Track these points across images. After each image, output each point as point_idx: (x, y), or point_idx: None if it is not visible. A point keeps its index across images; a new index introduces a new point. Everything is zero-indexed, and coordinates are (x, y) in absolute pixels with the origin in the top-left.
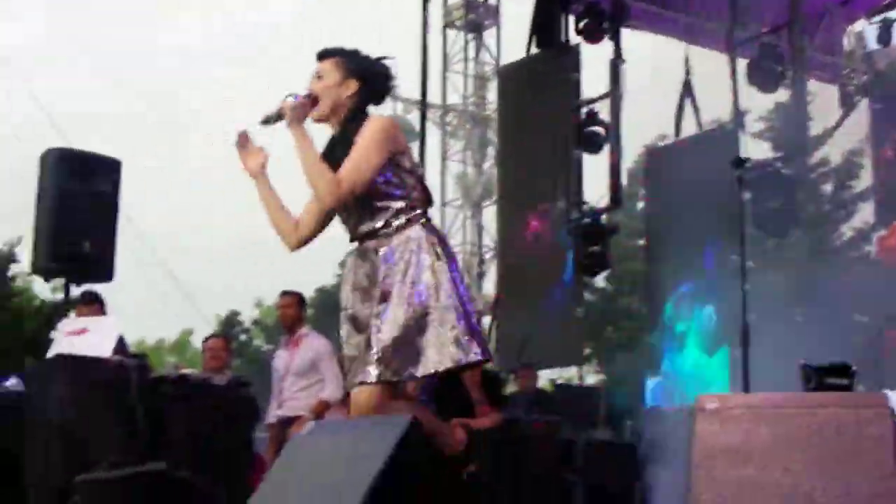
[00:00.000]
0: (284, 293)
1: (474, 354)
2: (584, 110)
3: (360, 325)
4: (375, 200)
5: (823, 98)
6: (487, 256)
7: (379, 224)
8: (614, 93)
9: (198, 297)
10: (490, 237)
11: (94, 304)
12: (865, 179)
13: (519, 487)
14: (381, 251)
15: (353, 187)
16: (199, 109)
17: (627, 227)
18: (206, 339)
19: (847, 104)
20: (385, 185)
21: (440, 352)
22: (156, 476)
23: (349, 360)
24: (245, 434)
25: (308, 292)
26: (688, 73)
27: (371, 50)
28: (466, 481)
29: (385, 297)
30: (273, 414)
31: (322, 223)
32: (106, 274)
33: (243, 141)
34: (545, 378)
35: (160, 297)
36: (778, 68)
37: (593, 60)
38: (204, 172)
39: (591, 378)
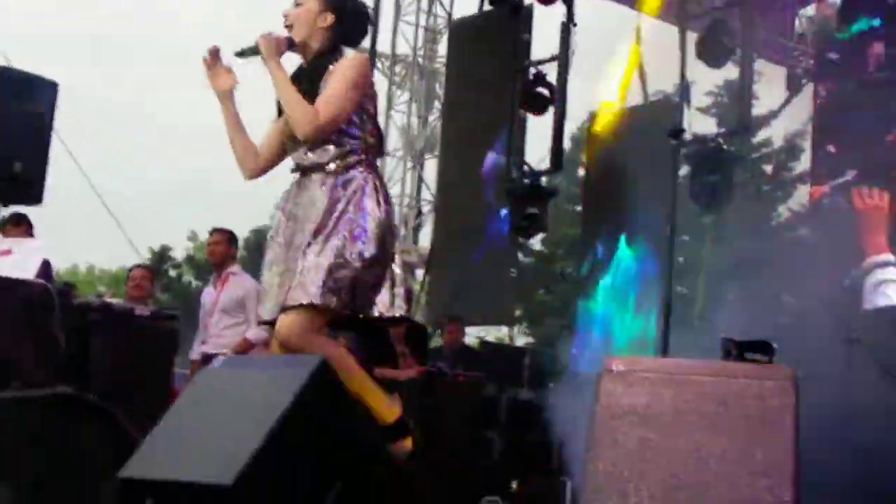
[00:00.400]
0: (214, 230)
1: (407, 310)
2: (533, 71)
3: (290, 253)
4: (331, 135)
5: (772, 79)
6: (425, 210)
7: (327, 159)
8: (563, 56)
9: (132, 230)
10: (429, 190)
11: (21, 226)
12: (805, 162)
13: (439, 441)
14: (325, 185)
15: (331, 118)
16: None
17: (568, 191)
18: (131, 269)
19: (793, 87)
20: (345, 124)
21: (386, 298)
22: (62, 398)
23: (268, 286)
24: (163, 366)
25: (243, 232)
26: (637, 42)
27: None
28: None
29: (320, 230)
30: (197, 350)
31: (280, 155)
32: (35, 196)
33: (213, 58)
34: (474, 336)
35: (94, 226)
36: (727, 44)
37: (546, 22)
38: (150, 105)
39: (522, 340)
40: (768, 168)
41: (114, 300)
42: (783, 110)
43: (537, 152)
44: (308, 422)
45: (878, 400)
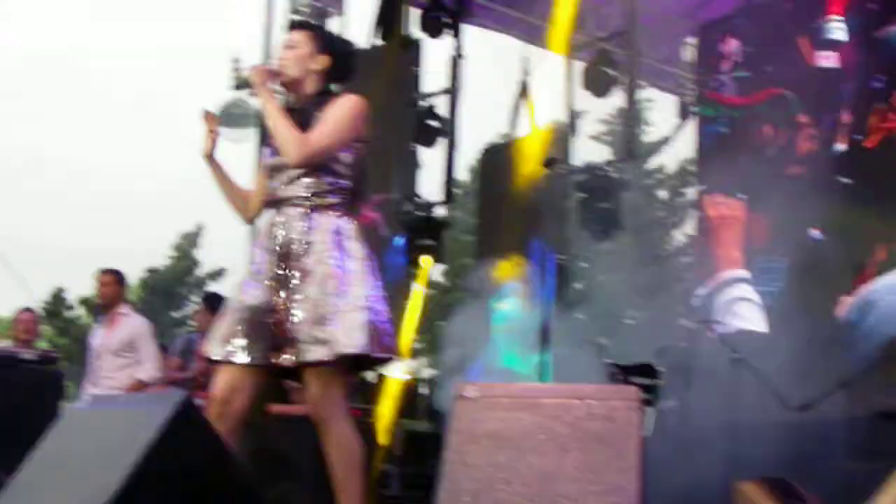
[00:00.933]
0: (104, 271)
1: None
2: (425, 104)
3: (271, 288)
4: (318, 171)
5: (664, 106)
6: None
7: (309, 194)
8: (453, 88)
9: (27, 274)
10: None
11: None
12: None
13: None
14: (305, 222)
15: (320, 149)
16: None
17: (466, 223)
18: (19, 313)
19: (683, 114)
20: (332, 162)
21: (348, 335)
22: None
23: (242, 321)
24: (51, 409)
25: (137, 272)
26: (526, 73)
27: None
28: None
29: (306, 275)
30: (88, 393)
31: None
32: None
33: (211, 122)
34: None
35: None
36: (611, 74)
37: (438, 55)
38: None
39: (426, 371)
40: (663, 194)
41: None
42: (674, 137)
43: (434, 185)
44: (173, 460)
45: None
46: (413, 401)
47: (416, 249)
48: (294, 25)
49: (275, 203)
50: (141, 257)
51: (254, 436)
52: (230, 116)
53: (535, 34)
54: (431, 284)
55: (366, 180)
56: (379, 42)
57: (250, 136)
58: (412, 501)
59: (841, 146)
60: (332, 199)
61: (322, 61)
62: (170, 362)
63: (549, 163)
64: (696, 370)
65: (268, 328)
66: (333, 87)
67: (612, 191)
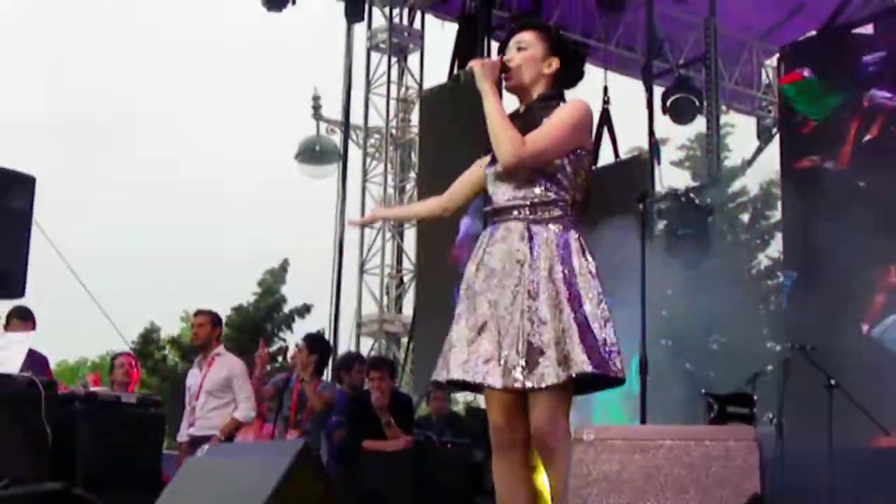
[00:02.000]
0: (199, 312)
1: (615, 370)
2: None
3: (485, 310)
4: (541, 178)
5: (743, 130)
6: (406, 279)
7: (530, 204)
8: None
9: (116, 315)
10: (409, 260)
11: (27, 321)
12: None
13: None
14: (526, 236)
15: (536, 153)
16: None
17: None
18: (116, 356)
19: (763, 136)
20: (554, 169)
21: (580, 355)
22: (53, 495)
23: (456, 341)
24: (153, 452)
25: (225, 310)
26: (606, 101)
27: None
28: None
29: (532, 291)
30: (184, 433)
31: (469, 197)
32: (17, 290)
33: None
34: (461, 402)
35: (79, 315)
36: (693, 100)
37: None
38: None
39: None
40: (745, 217)
41: (99, 388)
42: (755, 160)
43: None
44: None
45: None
46: None
47: None
48: (525, 25)
49: (494, 213)
50: (226, 295)
51: (352, 474)
52: (312, 153)
53: (613, 61)
54: None
55: (590, 193)
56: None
57: (332, 171)
58: None
59: None
60: (556, 212)
61: (553, 64)
62: (262, 395)
63: (641, 198)
64: (788, 393)
65: (490, 347)
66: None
67: (695, 217)
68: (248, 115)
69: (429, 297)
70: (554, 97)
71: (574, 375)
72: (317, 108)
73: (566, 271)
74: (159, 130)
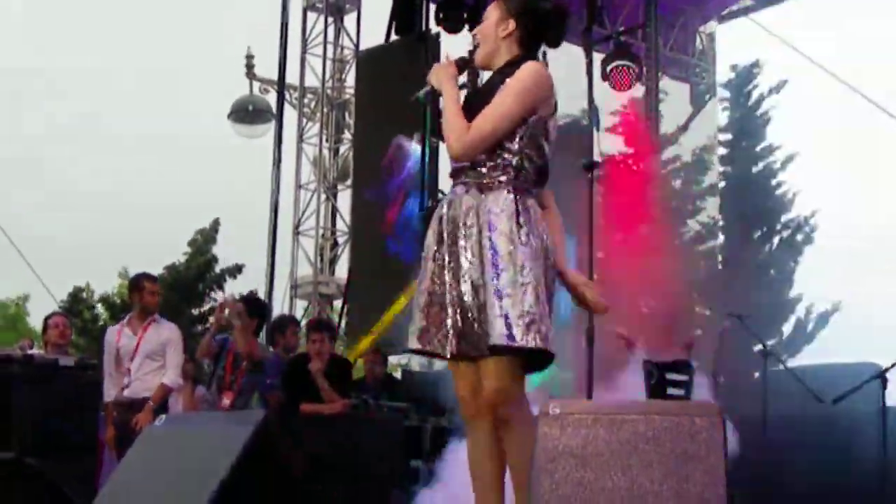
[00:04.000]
0: (152, 277)
1: (529, 341)
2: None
3: (439, 270)
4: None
5: (675, 96)
6: (341, 240)
7: (474, 168)
8: (472, 83)
9: (39, 265)
10: (343, 221)
11: None
12: (711, 176)
13: (364, 473)
14: (473, 201)
15: (483, 137)
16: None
17: None
18: (50, 316)
19: (697, 102)
20: (507, 138)
21: (526, 327)
22: (4, 463)
23: (416, 308)
24: (91, 416)
25: (158, 269)
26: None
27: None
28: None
29: (477, 258)
30: (111, 393)
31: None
32: None
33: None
34: (397, 364)
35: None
36: (632, 67)
37: (458, 50)
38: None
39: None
40: (677, 183)
41: (35, 351)
42: (688, 126)
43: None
44: (251, 483)
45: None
46: (440, 395)
47: None
48: None
49: (450, 175)
50: (153, 251)
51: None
52: (246, 113)
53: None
54: None
55: (545, 158)
56: (395, 38)
57: (266, 131)
58: None
59: None
60: (501, 177)
61: (509, 26)
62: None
63: (588, 167)
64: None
65: (442, 315)
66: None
67: (634, 184)
68: (181, 73)
69: (363, 259)
70: (515, 63)
71: (493, 346)
72: (250, 66)
73: (492, 236)
74: (86, 85)
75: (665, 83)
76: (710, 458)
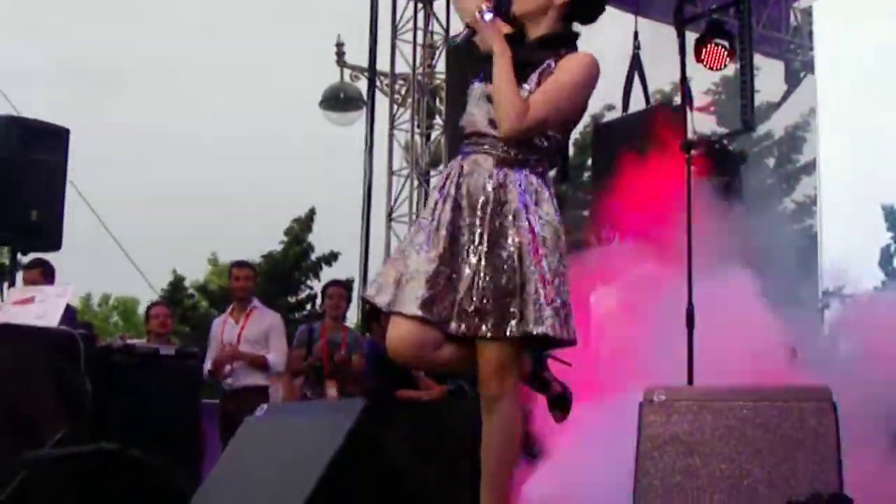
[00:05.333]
0: (241, 264)
1: (569, 334)
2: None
3: (448, 241)
4: None
5: (769, 73)
6: None
7: (504, 143)
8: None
9: (143, 264)
10: None
11: (36, 268)
12: (808, 153)
13: (464, 458)
14: (495, 175)
15: (539, 120)
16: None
17: (574, 198)
18: (151, 307)
19: (792, 80)
20: None
21: (537, 313)
22: (109, 455)
23: (417, 274)
24: (193, 407)
25: (255, 258)
26: (637, 47)
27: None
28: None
29: (493, 236)
30: (228, 384)
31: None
32: (54, 243)
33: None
34: None
35: (106, 263)
36: (726, 45)
37: None
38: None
39: None
40: (770, 162)
41: (136, 341)
42: (783, 103)
43: None
44: (354, 471)
45: None
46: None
47: None
48: None
49: (467, 136)
50: (252, 242)
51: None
52: (337, 100)
53: (645, 6)
54: None
55: (568, 138)
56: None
57: (357, 118)
58: None
59: None
60: (531, 156)
61: None
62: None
63: (687, 147)
64: None
65: (444, 287)
66: (572, 28)
67: (728, 164)
68: (270, 63)
69: None
70: (562, 39)
71: (535, 333)
72: (340, 54)
73: (531, 219)
74: (178, 83)
75: (758, 60)
76: (819, 443)
